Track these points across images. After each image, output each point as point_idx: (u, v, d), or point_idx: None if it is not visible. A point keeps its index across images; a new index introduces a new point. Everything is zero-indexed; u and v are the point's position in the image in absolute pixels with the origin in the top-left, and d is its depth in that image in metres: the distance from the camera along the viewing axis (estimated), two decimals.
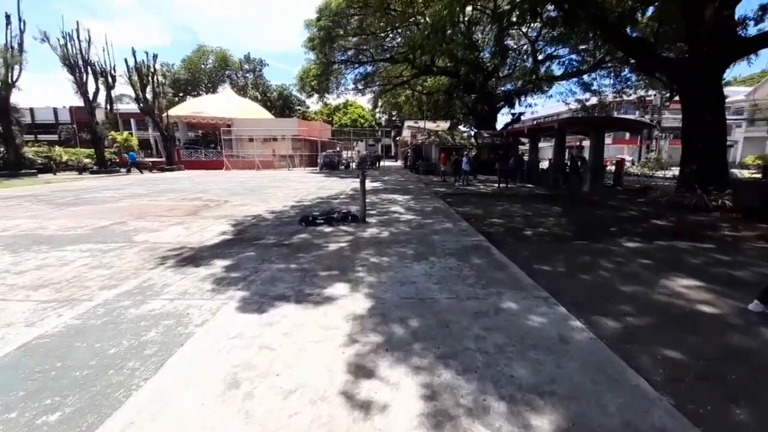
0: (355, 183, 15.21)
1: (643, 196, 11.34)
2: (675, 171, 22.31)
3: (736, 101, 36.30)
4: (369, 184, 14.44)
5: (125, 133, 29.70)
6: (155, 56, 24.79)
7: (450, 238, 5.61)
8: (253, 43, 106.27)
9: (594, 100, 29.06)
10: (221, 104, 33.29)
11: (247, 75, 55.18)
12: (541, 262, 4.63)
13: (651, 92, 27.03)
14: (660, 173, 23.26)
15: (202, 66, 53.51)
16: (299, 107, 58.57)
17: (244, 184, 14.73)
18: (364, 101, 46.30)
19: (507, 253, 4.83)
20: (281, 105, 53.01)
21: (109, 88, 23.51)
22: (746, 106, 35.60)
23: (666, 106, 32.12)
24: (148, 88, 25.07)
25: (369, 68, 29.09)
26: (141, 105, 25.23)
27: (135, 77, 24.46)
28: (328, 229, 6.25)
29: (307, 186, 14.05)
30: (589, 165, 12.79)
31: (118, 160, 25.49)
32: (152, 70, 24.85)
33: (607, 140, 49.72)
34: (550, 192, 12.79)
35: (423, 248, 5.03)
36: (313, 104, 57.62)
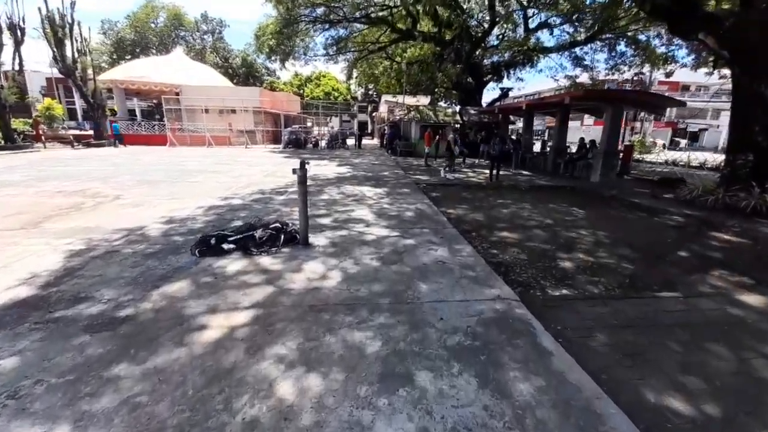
0: (319, 167, 12.34)
1: (667, 189, 9.30)
2: (668, 155, 20.82)
3: (723, 83, 35.43)
4: (334, 169, 11.63)
5: (46, 100, 24.77)
6: (73, 3, 19.89)
7: (451, 292, 3.09)
8: (213, 3, 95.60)
9: (585, 77, 27.02)
10: (170, 69, 28.49)
11: (205, 37, 48.86)
12: (644, 370, 2.23)
13: (646, 69, 25.15)
14: (651, 157, 21.79)
15: (152, 25, 46.68)
16: (268, 77, 53.16)
17: (175, 168, 11.51)
18: (339, 72, 42.21)
19: (568, 344, 2.39)
20: (245, 73, 47.61)
21: (18, 43, 18.76)
22: None
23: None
24: (69, 45, 20.31)
25: (342, 31, 25.34)
26: (58, 65, 20.52)
27: (50, 30, 19.64)
28: (235, 266, 3.57)
29: (255, 171, 11.05)
30: (600, 150, 10.58)
31: (34, 134, 20.98)
32: (69, 20, 20.01)
33: (588, 120, 48.69)
34: (553, 182, 10.55)
35: (403, 332, 2.48)
36: (284, 74, 52.59)
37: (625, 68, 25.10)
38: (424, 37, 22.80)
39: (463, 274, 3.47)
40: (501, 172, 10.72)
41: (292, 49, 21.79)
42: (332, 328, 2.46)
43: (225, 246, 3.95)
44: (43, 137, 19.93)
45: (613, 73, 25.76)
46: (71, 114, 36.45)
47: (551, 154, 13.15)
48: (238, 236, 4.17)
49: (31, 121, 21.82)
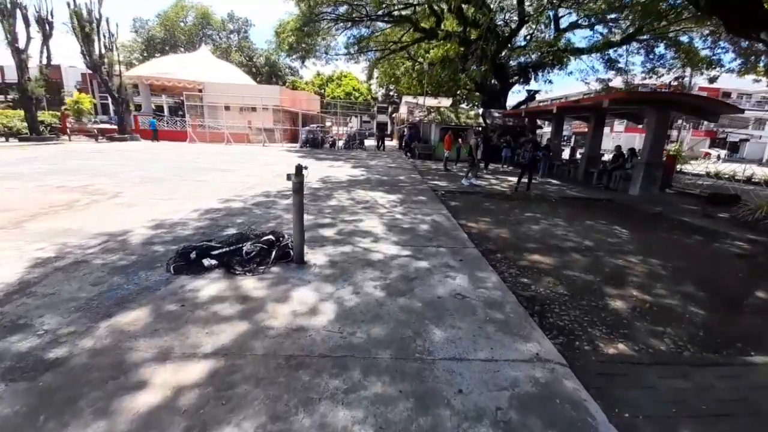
0: (333, 169, 11.80)
1: (720, 207, 8.17)
2: (710, 167, 19.07)
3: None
4: (348, 171, 11.04)
5: (75, 94, 25.51)
6: None
7: (474, 344, 2.36)
8: (238, 2, 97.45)
9: (617, 81, 25.47)
10: (194, 66, 28.87)
11: (231, 36, 49.68)
12: None
13: (686, 73, 23.36)
14: (689, 168, 20.07)
15: (181, 23, 47.86)
16: (291, 76, 53.54)
17: (187, 165, 11.23)
18: (360, 72, 41.90)
19: None
20: (268, 72, 48.06)
21: (46, 36, 19.24)
22: None
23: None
24: (96, 41, 20.73)
25: (364, 30, 24.86)
26: (85, 60, 20.98)
27: (77, 25, 20.11)
28: (211, 289, 2.98)
29: (266, 171, 10.61)
30: (641, 160, 9.50)
31: (60, 126, 21.53)
32: (97, 16, 20.42)
33: (618, 127, 46.35)
34: (587, 194, 9.55)
35: (406, 414, 1.78)
36: (306, 73, 52.85)
37: (664, 71, 23.46)
38: (448, 35, 21.98)
39: (489, 315, 2.74)
40: (532, 181, 9.82)
41: (312, 48, 21.45)
42: (309, 400, 1.80)
43: (206, 262, 3.38)
44: (68, 130, 20.38)
45: (650, 77, 24.12)
46: (104, 109, 37.61)
47: (583, 163, 12.09)
48: (224, 249, 3.60)
49: (59, 113, 22.38)
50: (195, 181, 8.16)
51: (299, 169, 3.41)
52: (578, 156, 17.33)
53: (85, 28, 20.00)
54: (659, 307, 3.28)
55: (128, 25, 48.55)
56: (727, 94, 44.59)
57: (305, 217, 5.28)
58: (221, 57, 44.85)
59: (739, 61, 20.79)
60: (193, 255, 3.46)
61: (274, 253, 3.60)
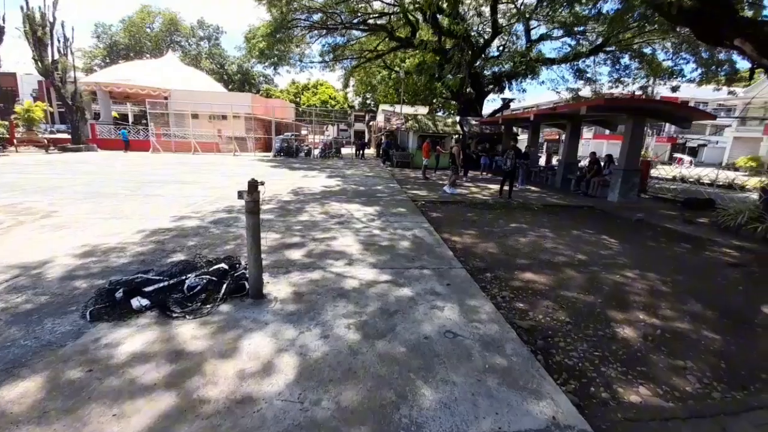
0: (307, 179, 11.16)
1: (697, 212, 8.20)
2: (673, 171, 19.81)
3: (727, 99, 35.14)
4: (323, 182, 10.43)
5: (26, 102, 23.57)
6: (55, 2, 18.82)
7: (473, 411, 1.84)
8: (208, 10, 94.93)
9: (586, 91, 26.41)
10: (159, 72, 27.48)
11: (201, 43, 48.12)
12: None
13: (651, 81, 24.50)
14: (656, 173, 20.83)
15: (147, 30, 45.92)
16: (266, 84, 52.42)
17: (143, 177, 10.24)
18: (336, 80, 41.52)
19: None
20: (240, 80, 46.79)
21: None
22: (738, 105, 34.51)
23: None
24: (49, 45, 19.16)
25: (339, 39, 24.52)
26: (37, 66, 19.36)
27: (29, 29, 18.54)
28: (136, 341, 2.31)
29: (233, 182, 9.83)
30: (620, 166, 9.49)
31: (8, 137, 19.64)
32: (51, 19, 18.92)
33: (587, 134, 48.26)
34: (567, 200, 9.41)
35: None
36: (281, 81, 51.99)
37: (629, 81, 24.50)
38: (424, 44, 22.01)
39: (488, 361, 2.24)
40: (512, 189, 9.59)
41: (286, 55, 20.79)
42: None
43: (135, 302, 2.70)
44: (14, 141, 18.61)
45: (616, 86, 25.14)
46: (62, 118, 35.17)
47: (560, 169, 12.08)
48: (162, 284, 2.92)
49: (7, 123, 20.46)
50: (146, 196, 7.30)
51: (253, 185, 2.82)
52: (554, 162, 17.55)
53: (38, 32, 18.47)
54: (671, 334, 2.91)
55: (89, 30, 46.12)
56: (686, 103, 47.53)
57: (271, 236, 4.67)
58: (190, 64, 43.23)
59: (699, 71, 22.00)
60: (119, 293, 2.76)
61: (225, 286, 2.96)
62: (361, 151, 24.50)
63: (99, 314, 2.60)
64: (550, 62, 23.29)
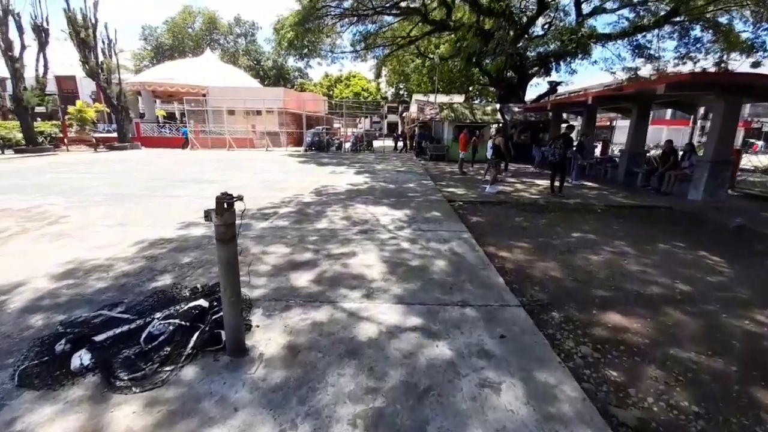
0: (334, 175, 10.46)
1: None
2: (754, 161, 16.71)
3: None
4: (350, 179, 9.63)
5: (79, 103, 25.10)
6: (96, 3, 19.57)
7: None
8: (244, 6, 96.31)
9: (647, 69, 23.30)
10: (198, 70, 28.21)
11: (238, 40, 49.20)
12: None
13: (733, 55, 21.00)
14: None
15: (189, 30, 47.70)
16: (301, 79, 52.76)
17: (170, 176, 10.07)
18: (368, 71, 40.58)
19: None
20: (275, 75, 47.34)
21: (42, 44, 18.64)
22: None
23: None
24: (93, 47, 20.05)
25: (371, 26, 23.48)
26: (84, 68, 20.36)
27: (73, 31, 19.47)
28: (57, 428, 1.61)
29: (257, 180, 9.34)
30: (707, 157, 7.74)
31: (61, 136, 20.97)
32: (93, 21, 19.72)
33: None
34: (636, 200, 7.85)
35: None
36: (314, 75, 52.08)
37: (700, 57, 21.18)
38: (461, 26, 20.37)
39: None
40: (563, 185, 8.22)
41: (315, 46, 20.16)
42: None
43: (76, 360, 2.02)
44: (65, 140, 19.78)
45: (683, 63, 21.89)
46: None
47: (624, 161, 10.33)
48: (123, 328, 2.24)
49: (59, 123, 21.90)
50: (164, 198, 6.91)
51: (222, 203, 2.01)
52: (612, 153, 15.46)
53: (81, 34, 19.32)
54: None
55: (137, 33, 48.82)
56: None
57: (279, 251, 3.92)
58: (229, 61, 44.43)
59: None
60: (60, 345, 2.10)
61: (195, 336, 2.21)
62: (401, 145, 23.42)
63: (29, 376, 1.95)
64: (606, 38, 20.69)
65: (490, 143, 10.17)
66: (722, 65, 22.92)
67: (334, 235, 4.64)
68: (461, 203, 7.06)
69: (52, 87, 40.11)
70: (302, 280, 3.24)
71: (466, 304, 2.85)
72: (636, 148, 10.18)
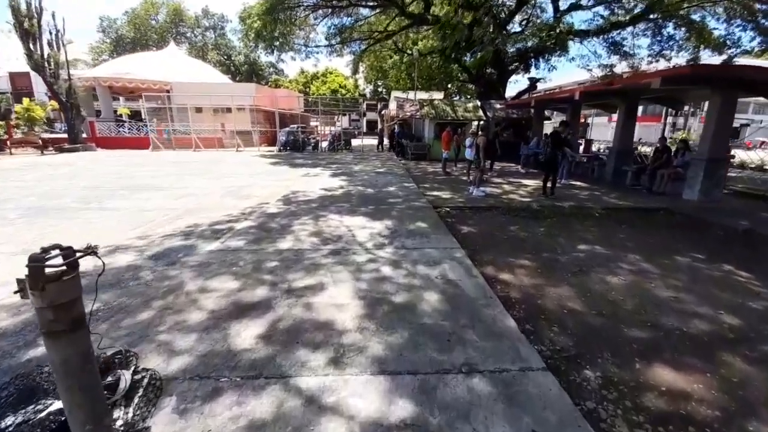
0: (308, 178, 9.51)
1: None
2: (745, 156, 16.94)
3: None
4: (325, 182, 8.69)
5: (25, 101, 22.74)
6: None
7: None
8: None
9: (622, 66, 23.52)
10: (161, 65, 26.27)
11: (207, 33, 46.71)
12: None
13: (705, 53, 21.41)
14: None
15: (152, 22, 44.84)
16: (276, 75, 50.81)
17: (116, 181, 8.81)
18: (344, 66, 39.41)
19: None
20: (248, 71, 45.31)
21: None
22: None
23: None
24: (37, 38, 18.00)
25: (346, 19, 22.45)
26: (28, 60, 18.29)
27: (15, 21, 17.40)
28: None
29: (219, 186, 8.26)
30: (703, 155, 7.35)
31: (6, 138, 18.81)
32: (37, 9, 17.68)
33: (614, 115, 44.64)
34: (630, 200, 7.38)
35: None
36: (290, 71, 50.36)
37: (672, 54, 21.50)
38: (438, 21, 19.70)
39: None
40: (555, 185, 7.65)
41: (287, 38, 18.94)
42: None
43: None
44: (8, 142, 17.72)
45: (656, 61, 22.20)
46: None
47: (612, 159, 9.94)
48: None
49: (2, 123, 19.64)
50: (98, 211, 5.78)
51: (35, 269, 1.11)
52: (597, 150, 15.22)
53: (24, 24, 17.28)
54: None
55: (95, 24, 45.44)
56: None
57: (225, 286, 2.97)
58: (197, 56, 42.03)
59: (758, 40, 19.12)
60: None
61: None
62: (381, 143, 22.65)
63: None
64: (584, 35, 20.59)
65: (468, 141, 9.52)
66: (696, 61, 23.39)
67: (300, 258, 3.75)
68: (448, 210, 6.32)
69: (4, 84, 36.67)
70: (246, 336, 2.36)
71: (473, 369, 2.06)
72: (624, 146, 9.80)
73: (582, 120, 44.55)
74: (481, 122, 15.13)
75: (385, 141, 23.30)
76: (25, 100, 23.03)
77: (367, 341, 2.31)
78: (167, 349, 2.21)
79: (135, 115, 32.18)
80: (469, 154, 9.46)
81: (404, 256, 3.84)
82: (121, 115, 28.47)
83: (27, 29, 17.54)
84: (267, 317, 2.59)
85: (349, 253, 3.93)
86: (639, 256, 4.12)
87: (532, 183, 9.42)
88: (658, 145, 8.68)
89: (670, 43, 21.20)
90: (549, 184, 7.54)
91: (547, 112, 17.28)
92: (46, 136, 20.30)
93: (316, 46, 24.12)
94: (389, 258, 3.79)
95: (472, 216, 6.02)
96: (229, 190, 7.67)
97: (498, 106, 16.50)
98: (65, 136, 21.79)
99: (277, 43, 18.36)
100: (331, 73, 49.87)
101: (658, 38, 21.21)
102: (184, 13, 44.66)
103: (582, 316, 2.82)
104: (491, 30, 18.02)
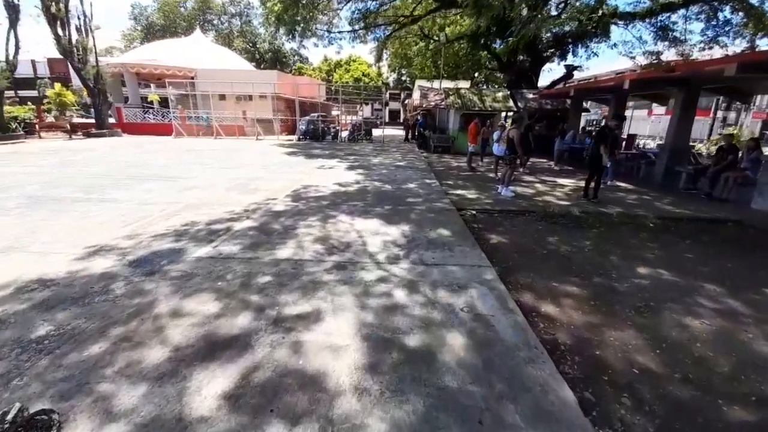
0: (322, 171, 8.97)
1: None
2: None
3: None
4: (340, 176, 8.06)
5: (57, 86, 23.38)
6: None
7: None
8: None
9: (670, 54, 21.33)
10: (187, 51, 26.35)
11: (233, 21, 46.74)
12: None
13: (763, 41, 19.03)
14: None
15: (181, 9, 45.27)
16: (300, 63, 50.42)
17: (126, 170, 8.58)
18: (367, 53, 38.39)
19: None
20: (272, 58, 45.11)
21: (12, 21, 16.90)
22: None
23: None
24: (66, 23, 18.22)
25: (370, 3, 21.47)
26: (57, 46, 18.59)
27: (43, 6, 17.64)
28: None
29: (227, 178, 7.84)
30: None
31: (37, 122, 19.37)
32: None
33: (659, 110, 41.52)
34: (691, 209, 6.32)
35: None
36: (314, 58, 49.86)
37: (727, 41, 19.23)
38: (469, 3, 18.36)
39: None
40: (598, 187, 6.70)
41: (309, 24, 18.23)
42: None
43: None
44: (37, 126, 18.20)
45: (710, 47, 19.96)
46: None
47: (664, 158, 8.76)
48: None
49: (33, 107, 20.24)
50: (97, 203, 5.44)
51: None
52: (644, 147, 13.81)
53: (51, 8, 17.50)
54: None
55: (127, 12, 46.41)
56: None
57: (203, 309, 2.45)
58: (223, 43, 42.19)
59: None
60: None
61: None
62: (411, 133, 21.27)
63: None
64: (630, 18, 18.71)
65: (496, 135, 8.60)
66: (754, 49, 20.88)
67: (298, 273, 3.17)
68: (474, 213, 5.56)
69: (43, 70, 38.31)
70: (207, 394, 1.79)
71: None
72: (679, 143, 8.59)
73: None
74: (514, 113, 13.99)
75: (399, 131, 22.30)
76: (57, 85, 23.64)
77: (365, 415, 1.68)
78: (103, 408, 1.67)
79: (165, 102, 32.73)
80: (497, 149, 8.58)
81: (422, 276, 3.18)
82: (151, 102, 28.93)
83: (54, 14, 17.75)
84: (241, 362, 2.01)
85: (356, 267, 3.31)
86: (720, 288, 3.26)
87: (569, 182, 8.45)
88: (723, 143, 7.47)
89: (726, 28, 18.98)
90: (592, 185, 6.61)
91: (584, 104, 15.84)
92: (76, 121, 20.79)
93: (339, 32, 23.32)
94: (404, 277, 3.14)
95: (502, 222, 5.24)
96: (237, 183, 7.21)
97: (530, 96, 15.26)
98: (91, 121, 22.31)
99: (299, 27, 17.70)
100: (354, 61, 48.93)
101: (713, 23, 19.03)
102: (212, 1, 44.76)
103: (661, 381, 2.08)
104: (527, 10, 16.65)
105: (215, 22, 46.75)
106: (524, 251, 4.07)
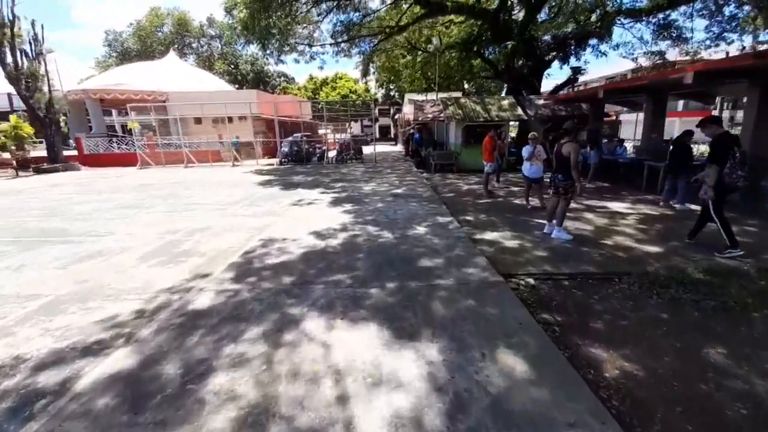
0: (299, 208, 6.73)
1: None
2: None
3: None
4: (321, 215, 5.72)
5: (13, 118, 21.12)
6: None
7: None
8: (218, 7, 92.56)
9: (673, 54, 19.94)
10: (159, 74, 24.45)
11: (212, 43, 45.29)
12: None
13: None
14: None
15: (158, 33, 43.77)
16: (286, 83, 48.99)
17: (37, 219, 6.26)
18: (353, 69, 37.04)
19: None
20: (254, 79, 43.54)
21: None
22: None
23: None
24: (10, 48, 16.14)
25: (353, 14, 19.87)
26: (2, 71, 16.48)
27: None
28: None
29: (152, 234, 5.57)
30: None
31: None
32: (9, 17, 15.81)
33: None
34: None
35: None
36: (300, 78, 48.60)
37: (734, 37, 17.83)
38: (459, 9, 16.76)
39: None
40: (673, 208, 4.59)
41: (285, 35, 16.37)
42: None
43: None
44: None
45: (715, 45, 18.57)
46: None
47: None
48: None
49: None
50: None
51: None
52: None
53: None
54: None
55: (100, 38, 44.77)
56: None
57: None
58: (204, 66, 40.52)
59: None
60: None
61: None
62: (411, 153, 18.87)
63: None
64: (637, 14, 17.26)
65: (526, 152, 6.52)
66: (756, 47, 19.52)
67: None
68: (532, 285, 3.37)
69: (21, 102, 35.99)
70: None
71: None
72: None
73: (613, 117, 40.66)
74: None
75: (391, 147, 20.34)
76: (13, 117, 21.31)
77: None
78: None
79: (146, 128, 30.48)
80: (529, 169, 6.49)
81: None
82: (131, 130, 26.72)
83: None
84: None
85: None
86: None
87: (622, 207, 6.36)
88: None
89: (733, 23, 17.61)
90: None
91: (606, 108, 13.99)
92: (32, 155, 18.40)
93: (321, 46, 21.63)
94: None
95: (587, 301, 3.04)
96: (166, 241, 4.94)
97: (540, 102, 13.42)
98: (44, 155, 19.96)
99: (275, 41, 15.82)
100: (341, 78, 47.66)
101: (718, 18, 17.66)
102: (190, 24, 43.38)
103: None
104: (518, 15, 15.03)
105: (194, 45, 45.30)
106: (687, 400, 1.85)
